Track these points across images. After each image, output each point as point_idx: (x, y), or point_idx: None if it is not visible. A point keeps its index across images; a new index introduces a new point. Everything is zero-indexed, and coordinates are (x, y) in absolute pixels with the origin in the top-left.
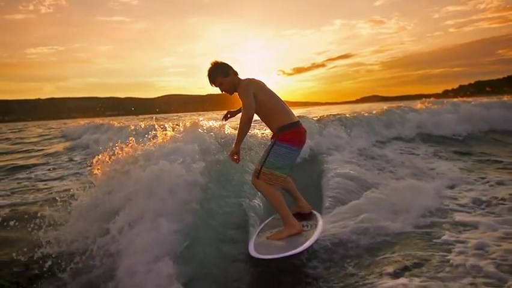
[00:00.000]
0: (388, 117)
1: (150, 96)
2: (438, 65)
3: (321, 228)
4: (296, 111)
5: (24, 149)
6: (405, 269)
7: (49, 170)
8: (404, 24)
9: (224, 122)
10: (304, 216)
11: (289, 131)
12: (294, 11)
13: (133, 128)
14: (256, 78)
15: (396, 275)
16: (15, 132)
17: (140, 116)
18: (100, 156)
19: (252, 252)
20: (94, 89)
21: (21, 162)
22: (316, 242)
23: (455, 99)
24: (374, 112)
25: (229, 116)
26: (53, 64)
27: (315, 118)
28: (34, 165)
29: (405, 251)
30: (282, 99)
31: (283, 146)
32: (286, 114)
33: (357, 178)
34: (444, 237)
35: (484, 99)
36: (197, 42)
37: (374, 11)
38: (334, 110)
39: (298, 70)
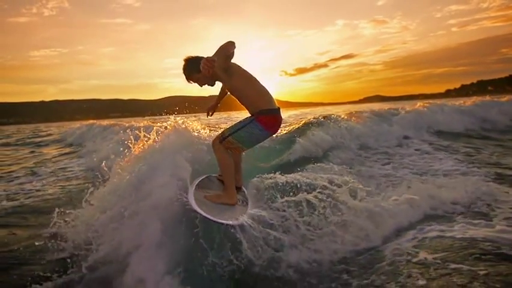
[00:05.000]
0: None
1: (153, 97)
2: (441, 64)
3: (249, 207)
4: (298, 111)
5: None
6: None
7: None
8: (406, 23)
9: (210, 117)
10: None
11: (268, 116)
12: (296, 12)
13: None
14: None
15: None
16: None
17: (147, 117)
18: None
19: (195, 207)
20: (97, 91)
21: None
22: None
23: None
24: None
25: (211, 113)
26: (57, 66)
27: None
28: None
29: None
30: (285, 99)
31: (258, 127)
32: (269, 99)
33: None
34: None
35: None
36: (199, 43)
37: (376, 10)
38: (338, 110)
39: (301, 70)
